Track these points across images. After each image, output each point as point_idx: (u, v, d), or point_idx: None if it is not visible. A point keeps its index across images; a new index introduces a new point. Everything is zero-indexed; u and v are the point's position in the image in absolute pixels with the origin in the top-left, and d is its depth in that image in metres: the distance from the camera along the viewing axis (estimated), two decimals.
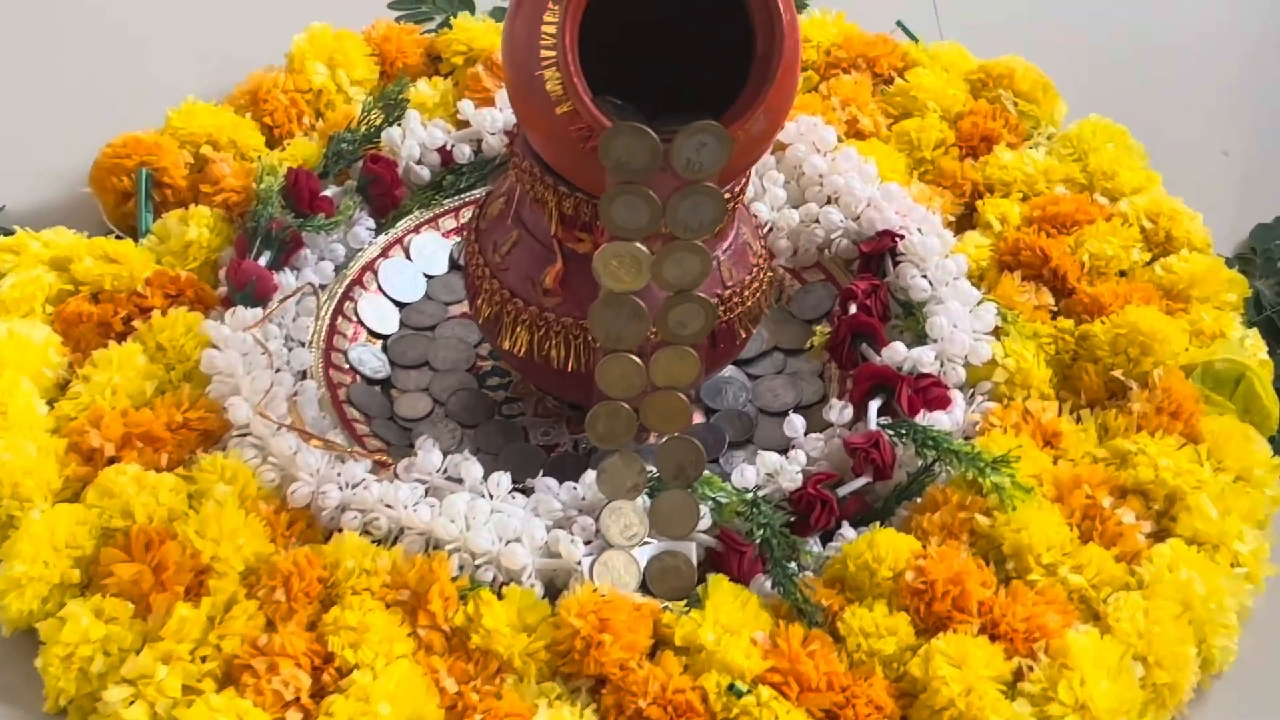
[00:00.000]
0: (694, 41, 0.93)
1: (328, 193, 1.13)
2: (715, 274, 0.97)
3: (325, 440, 0.96)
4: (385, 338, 1.11)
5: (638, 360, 0.88)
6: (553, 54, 0.86)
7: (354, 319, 1.11)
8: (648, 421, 0.90)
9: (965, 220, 1.19)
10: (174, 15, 1.42)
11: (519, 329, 0.97)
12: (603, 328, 0.88)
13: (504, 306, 0.97)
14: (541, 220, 0.95)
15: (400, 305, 1.13)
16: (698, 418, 1.07)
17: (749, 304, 1.00)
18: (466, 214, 1.18)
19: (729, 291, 0.98)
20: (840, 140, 1.20)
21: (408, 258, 1.15)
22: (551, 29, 0.86)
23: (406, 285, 1.14)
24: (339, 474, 0.94)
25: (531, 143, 0.92)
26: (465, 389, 1.08)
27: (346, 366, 1.08)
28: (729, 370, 1.09)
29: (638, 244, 0.85)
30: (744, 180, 0.96)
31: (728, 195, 0.93)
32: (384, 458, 0.97)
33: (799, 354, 1.12)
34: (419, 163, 1.18)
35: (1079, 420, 1.03)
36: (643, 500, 0.92)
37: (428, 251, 1.16)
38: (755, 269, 1.00)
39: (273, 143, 1.21)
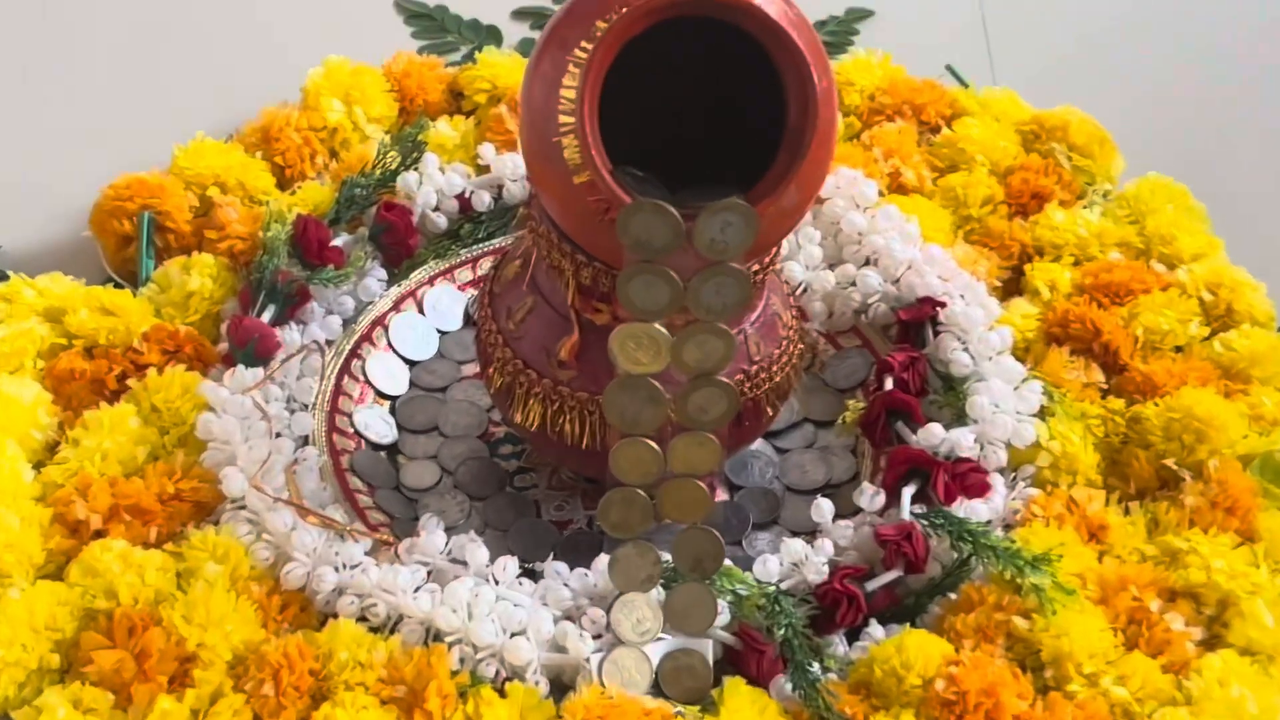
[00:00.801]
0: (721, 106, 0.87)
1: (338, 241, 1.07)
2: (741, 349, 0.91)
3: (323, 517, 0.91)
4: (394, 399, 1.05)
5: (654, 446, 0.82)
6: (571, 121, 0.80)
7: (361, 378, 1.05)
8: (664, 510, 0.84)
9: (1012, 284, 1.12)
10: (187, 46, 1.36)
11: (532, 401, 0.92)
12: (618, 411, 0.82)
13: (516, 378, 0.92)
14: (558, 288, 0.89)
15: (411, 364, 1.08)
16: (721, 494, 1.01)
17: (777, 380, 0.94)
18: (484, 265, 1.12)
19: (755, 367, 0.92)
20: (882, 195, 1.13)
21: (420, 312, 1.09)
22: (571, 94, 0.80)
23: (418, 342, 1.08)
24: (336, 554, 0.89)
25: (548, 209, 0.87)
26: (475, 458, 1.02)
27: (351, 431, 1.02)
28: (756, 443, 1.03)
29: (657, 325, 0.80)
30: (773, 253, 0.90)
31: (756, 268, 0.88)
32: (385, 536, 0.92)
33: (831, 426, 1.05)
34: (436, 210, 1.12)
35: (1127, 511, 0.96)
36: (657, 593, 0.86)
37: (442, 306, 1.10)
38: (785, 341, 0.94)
39: (284, 183, 1.15)
